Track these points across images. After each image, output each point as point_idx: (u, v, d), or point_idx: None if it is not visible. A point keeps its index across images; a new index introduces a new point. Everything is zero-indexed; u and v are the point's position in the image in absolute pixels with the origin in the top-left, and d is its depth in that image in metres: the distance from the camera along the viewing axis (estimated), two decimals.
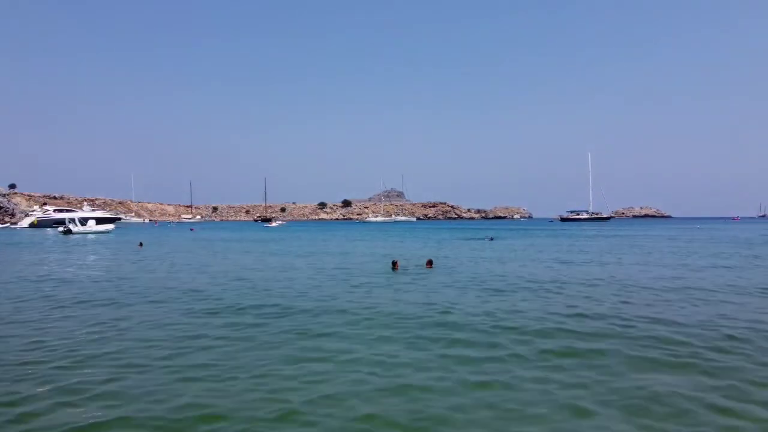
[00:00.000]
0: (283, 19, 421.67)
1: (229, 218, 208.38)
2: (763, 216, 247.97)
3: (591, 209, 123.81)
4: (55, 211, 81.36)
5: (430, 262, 18.12)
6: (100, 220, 61.68)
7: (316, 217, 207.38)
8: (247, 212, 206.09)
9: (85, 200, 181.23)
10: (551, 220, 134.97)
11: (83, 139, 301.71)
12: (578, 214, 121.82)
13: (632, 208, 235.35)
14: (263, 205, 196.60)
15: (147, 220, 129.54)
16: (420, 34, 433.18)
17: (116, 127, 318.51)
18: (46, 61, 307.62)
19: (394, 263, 17.48)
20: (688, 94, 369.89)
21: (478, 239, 41.09)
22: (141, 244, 32.28)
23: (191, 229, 63.10)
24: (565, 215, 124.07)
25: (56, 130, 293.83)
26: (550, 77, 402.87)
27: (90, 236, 49.99)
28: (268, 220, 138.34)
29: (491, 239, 39.78)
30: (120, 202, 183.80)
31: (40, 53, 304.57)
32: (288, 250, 30.02)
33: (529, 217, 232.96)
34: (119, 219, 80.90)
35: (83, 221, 56.66)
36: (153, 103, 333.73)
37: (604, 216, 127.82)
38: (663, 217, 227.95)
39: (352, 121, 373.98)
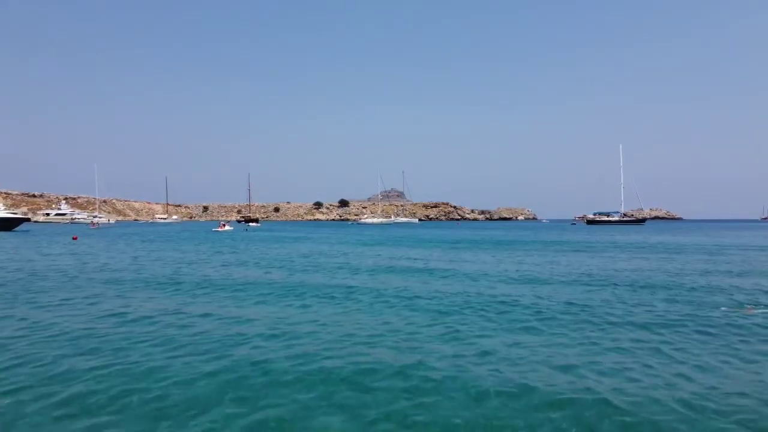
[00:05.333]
0: (281, 12, 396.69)
1: (220, 218, 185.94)
2: (767, 219, 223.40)
3: (623, 210, 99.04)
4: None
5: None
6: None
7: (312, 218, 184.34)
8: (239, 212, 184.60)
9: (64, 198, 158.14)
10: (574, 222, 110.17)
11: (80, 139, 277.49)
12: (608, 216, 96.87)
13: (641, 210, 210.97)
14: (254, 204, 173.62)
15: (110, 220, 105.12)
16: (421, 29, 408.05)
17: (109, 126, 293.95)
18: (42, 58, 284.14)
19: None
20: (688, 94, 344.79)
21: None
22: None
23: (74, 238, 38.04)
24: (591, 216, 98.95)
25: (45, 128, 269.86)
26: (553, 76, 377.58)
27: None
28: (252, 220, 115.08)
29: None
30: (104, 201, 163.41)
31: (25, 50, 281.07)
32: None
33: (534, 218, 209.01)
34: (24, 220, 56.14)
35: None
36: (149, 100, 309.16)
37: (639, 218, 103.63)
38: (674, 219, 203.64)
39: (352, 121, 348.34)
